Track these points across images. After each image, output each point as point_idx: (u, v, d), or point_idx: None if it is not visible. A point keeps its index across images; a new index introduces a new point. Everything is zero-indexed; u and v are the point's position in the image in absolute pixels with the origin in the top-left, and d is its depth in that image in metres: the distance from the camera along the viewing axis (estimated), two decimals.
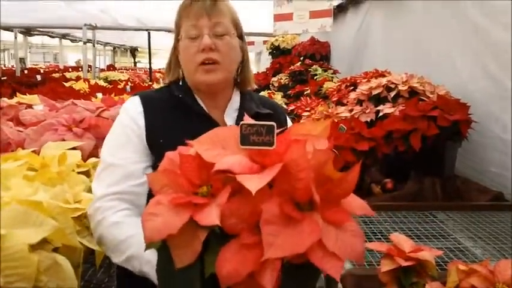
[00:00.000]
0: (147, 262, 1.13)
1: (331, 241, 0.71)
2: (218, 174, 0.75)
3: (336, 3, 5.82)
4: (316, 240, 0.69)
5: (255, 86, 1.57)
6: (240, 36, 1.43)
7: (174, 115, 1.37)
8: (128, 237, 1.19)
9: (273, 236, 0.69)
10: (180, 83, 1.45)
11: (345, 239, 0.72)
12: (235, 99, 1.48)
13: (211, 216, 0.71)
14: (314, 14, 5.59)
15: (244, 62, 1.48)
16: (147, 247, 0.77)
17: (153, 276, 1.09)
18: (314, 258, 0.69)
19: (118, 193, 1.28)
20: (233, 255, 0.70)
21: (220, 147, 0.80)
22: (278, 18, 5.81)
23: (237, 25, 1.41)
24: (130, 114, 1.36)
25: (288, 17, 5.73)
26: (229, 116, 1.44)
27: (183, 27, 1.36)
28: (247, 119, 0.85)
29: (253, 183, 0.69)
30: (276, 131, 0.79)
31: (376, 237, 1.78)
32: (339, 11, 5.95)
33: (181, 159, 0.79)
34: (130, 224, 1.21)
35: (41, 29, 11.06)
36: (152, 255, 0.83)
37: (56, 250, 1.33)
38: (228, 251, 0.71)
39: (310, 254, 0.69)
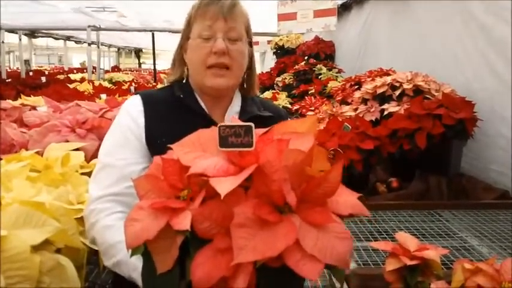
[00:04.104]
0: (134, 269, 1.12)
1: (310, 243, 0.68)
2: (195, 178, 0.74)
3: (340, 2, 5.81)
4: (291, 242, 0.66)
5: (258, 93, 1.56)
6: (250, 43, 1.43)
7: (174, 115, 1.35)
8: (117, 243, 1.18)
9: (244, 239, 0.67)
10: (184, 81, 1.44)
11: (326, 241, 0.69)
12: (237, 101, 1.46)
13: (184, 221, 0.69)
14: (318, 13, 5.58)
15: (251, 69, 1.48)
16: (132, 253, 0.76)
17: (139, 282, 1.08)
18: (290, 261, 0.66)
19: (114, 194, 1.27)
20: (206, 260, 0.69)
21: (200, 150, 0.79)
22: (282, 17, 5.80)
23: (248, 32, 1.41)
24: (131, 113, 1.35)
25: (291, 16, 5.71)
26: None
27: (196, 26, 1.35)
28: (234, 120, 0.83)
29: (224, 185, 0.67)
30: (263, 130, 0.78)
31: (382, 236, 1.77)
32: (343, 10, 5.94)
33: (163, 163, 0.79)
34: (121, 228, 1.19)
35: (45, 31, 11.09)
36: (139, 262, 0.82)
37: (58, 251, 1.33)
38: (202, 255, 0.70)
39: (287, 257, 0.66)
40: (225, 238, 0.69)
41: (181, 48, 1.42)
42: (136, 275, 1.11)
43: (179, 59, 1.44)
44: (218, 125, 0.76)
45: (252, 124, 0.75)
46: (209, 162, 0.74)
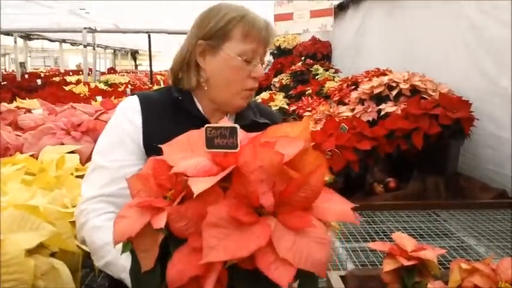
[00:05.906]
0: (123, 269, 1.12)
1: (285, 246, 0.66)
2: (180, 178, 0.74)
3: (336, 2, 5.81)
4: (263, 244, 0.65)
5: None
6: None
7: (171, 117, 1.33)
8: (106, 244, 1.17)
9: (216, 239, 0.66)
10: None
11: (302, 246, 0.67)
12: None
13: (161, 220, 0.70)
14: (314, 14, 5.58)
15: None
16: (122, 250, 0.77)
17: (129, 282, 1.07)
18: (262, 263, 0.65)
19: (106, 195, 1.25)
20: (180, 259, 0.69)
21: (189, 151, 0.79)
22: (278, 18, 5.80)
23: None
24: (127, 113, 1.32)
25: (288, 16, 5.72)
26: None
27: (238, 43, 1.29)
28: (225, 121, 0.83)
29: (199, 185, 0.68)
30: (253, 134, 0.80)
31: (379, 236, 1.77)
32: (339, 10, 5.93)
33: (153, 163, 0.79)
34: (111, 229, 1.16)
35: (41, 33, 11.05)
36: (127, 263, 0.82)
37: (53, 255, 1.32)
38: (178, 254, 0.70)
39: (258, 259, 0.65)
40: (200, 238, 0.68)
41: (193, 52, 1.34)
42: (125, 276, 1.11)
43: (194, 64, 1.35)
44: (205, 126, 0.76)
45: (237, 126, 0.75)
46: (191, 162, 0.74)
